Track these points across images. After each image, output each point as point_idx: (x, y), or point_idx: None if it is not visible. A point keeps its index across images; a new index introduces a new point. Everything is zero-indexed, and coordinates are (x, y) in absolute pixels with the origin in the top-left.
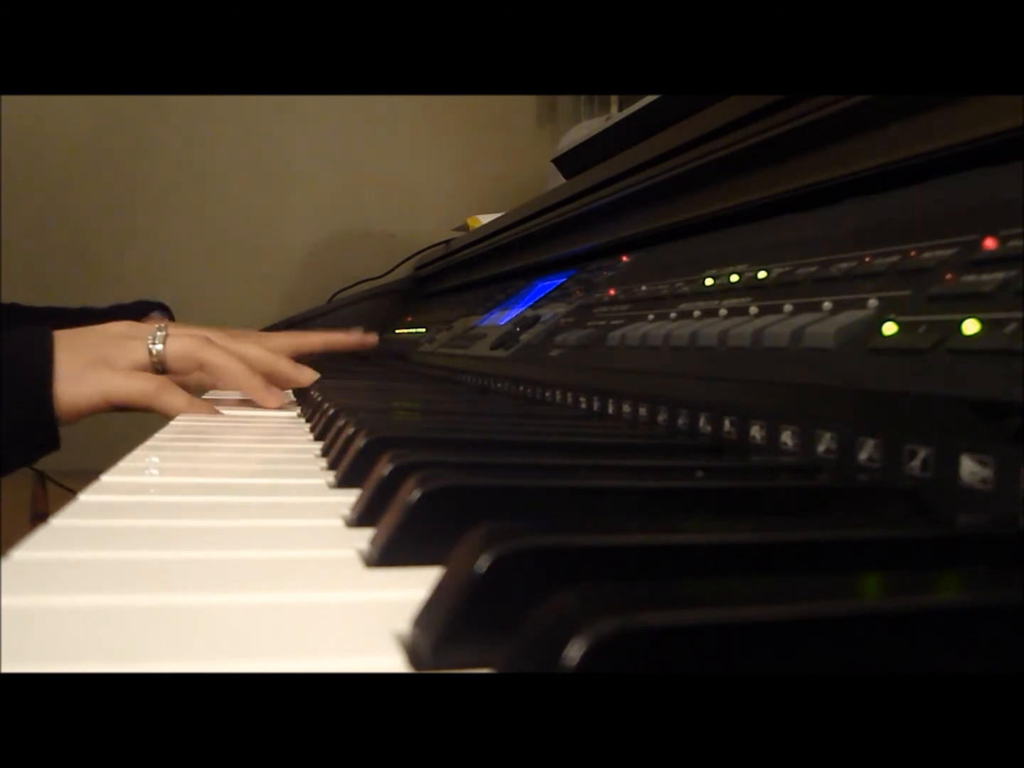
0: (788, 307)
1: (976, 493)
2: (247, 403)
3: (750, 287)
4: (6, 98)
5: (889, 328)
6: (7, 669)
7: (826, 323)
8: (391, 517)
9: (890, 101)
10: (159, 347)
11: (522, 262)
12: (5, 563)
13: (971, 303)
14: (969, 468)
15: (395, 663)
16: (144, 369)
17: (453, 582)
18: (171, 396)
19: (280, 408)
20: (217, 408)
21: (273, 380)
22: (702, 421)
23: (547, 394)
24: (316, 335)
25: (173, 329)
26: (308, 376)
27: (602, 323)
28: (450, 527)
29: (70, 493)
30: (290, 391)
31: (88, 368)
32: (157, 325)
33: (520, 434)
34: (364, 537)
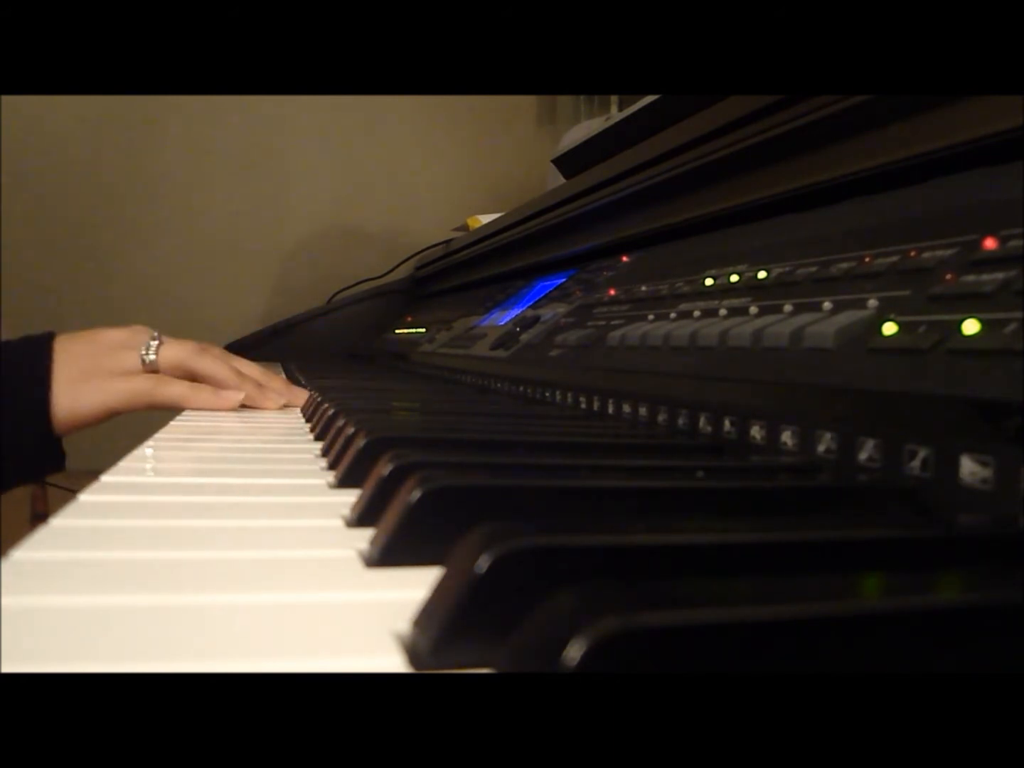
0: (788, 307)
1: (976, 493)
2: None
3: (750, 287)
4: (6, 98)
5: (889, 328)
6: (7, 669)
7: (826, 323)
8: (391, 517)
9: (890, 101)
10: (152, 356)
11: (522, 262)
12: (5, 563)
13: (971, 303)
14: (969, 468)
15: (395, 663)
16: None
17: (453, 582)
18: (170, 387)
19: (280, 408)
20: (220, 394)
21: None
22: (702, 421)
23: (547, 394)
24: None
25: (166, 339)
26: (301, 396)
27: (602, 323)
28: (450, 527)
29: (70, 493)
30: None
31: (84, 379)
32: (150, 335)
33: (520, 434)
34: (364, 537)
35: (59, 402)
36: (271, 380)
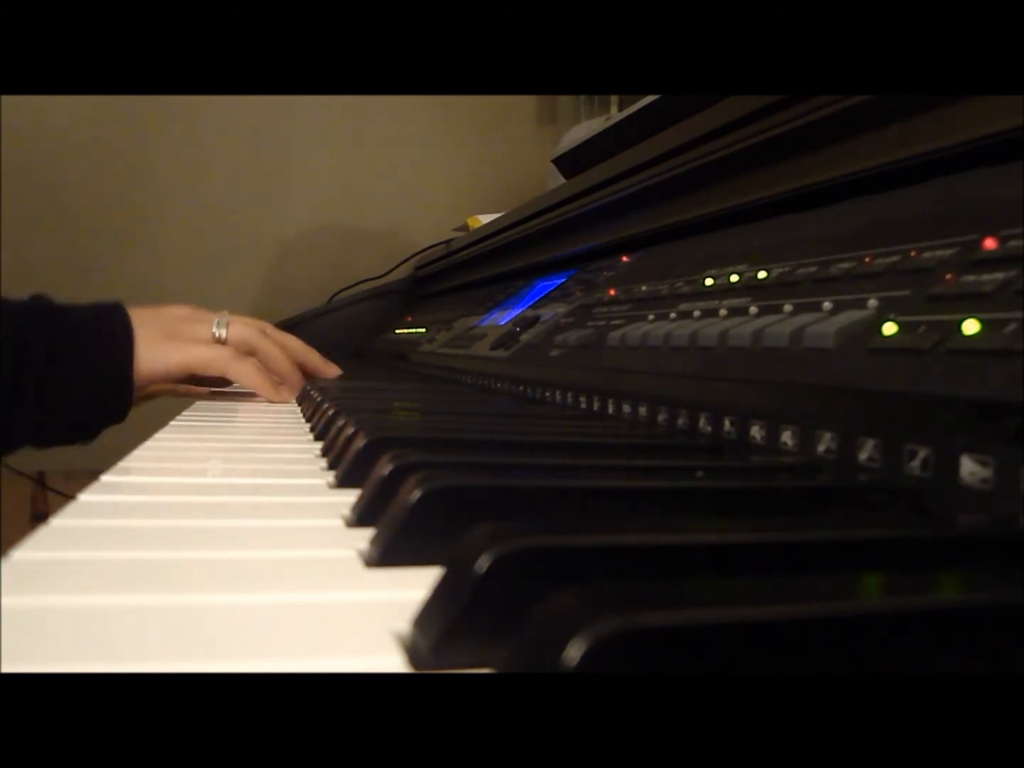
0: (788, 307)
1: (976, 493)
2: (248, 397)
3: (750, 287)
4: (6, 98)
5: (889, 328)
6: (7, 669)
7: (826, 323)
8: (391, 517)
9: (890, 101)
10: (223, 332)
11: (522, 262)
12: (5, 563)
13: (971, 303)
14: (969, 468)
15: (395, 663)
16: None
17: (453, 582)
18: (244, 364)
19: (281, 407)
20: (279, 391)
21: (305, 370)
22: (702, 421)
23: (547, 394)
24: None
25: (233, 317)
26: (334, 370)
27: (602, 323)
28: (450, 527)
29: (69, 498)
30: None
31: (165, 340)
32: (219, 313)
33: (520, 434)
34: (364, 537)
35: (141, 357)
36: (311, 354)
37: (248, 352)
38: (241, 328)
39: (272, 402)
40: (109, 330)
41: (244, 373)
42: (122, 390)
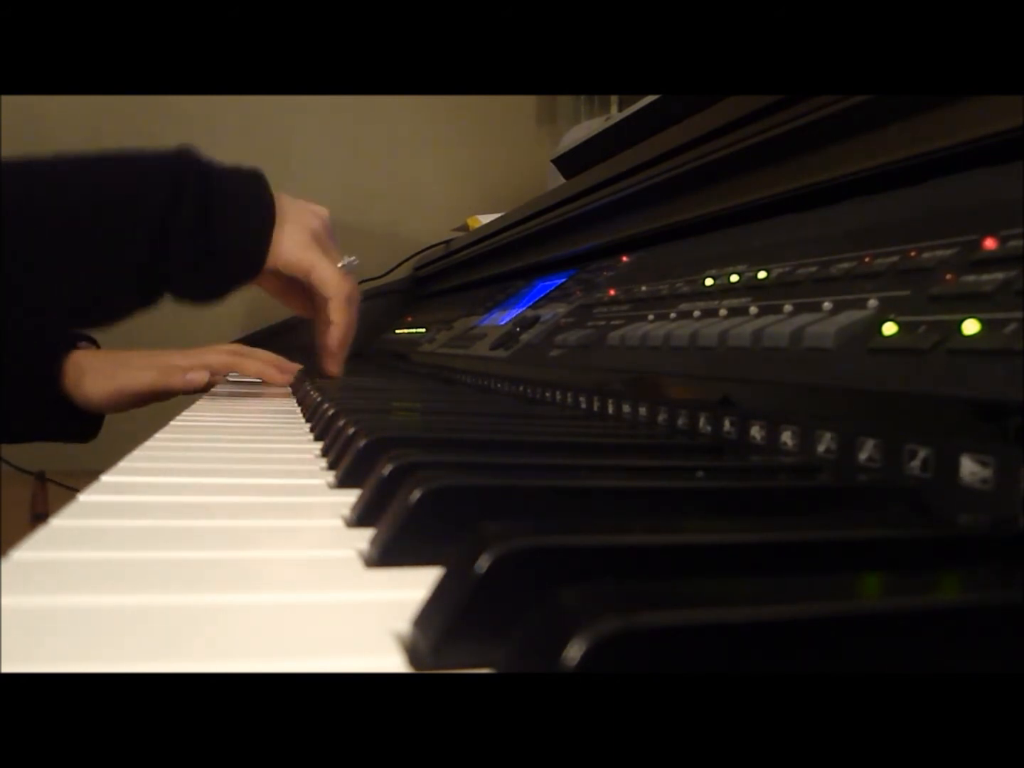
0: (788, 307)
1: (976, 493)
2: (249, 397)
3: (750, 287)
4: (6, 98)
5: (889, 328)
6: (7, 669)
7: (826, 323)
8: (391, 517)
9: (890, 101)
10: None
11: (522, 262)
12: (5, 563)
13: (971, 303)
14: (969, 468)
15: (395, 663)
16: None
17: (453, 582)
18: (350, 312)
19: (280, 408)
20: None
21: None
22: (702, 421)
23: (547, 394)
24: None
25: (352, 271)
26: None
27: (602, 323)
28: (450, 527)
29: (71, 492)
30: (290, 391)
31: (308, 239)
32: (350, 255)
33: (520, 434)
34: (364, 537)
35: (283, 243)
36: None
37: (336, 309)
38: (349, 284)
39: (333, 372)
40: (256, 199)
41: (344, 319)
42: (257, 260)
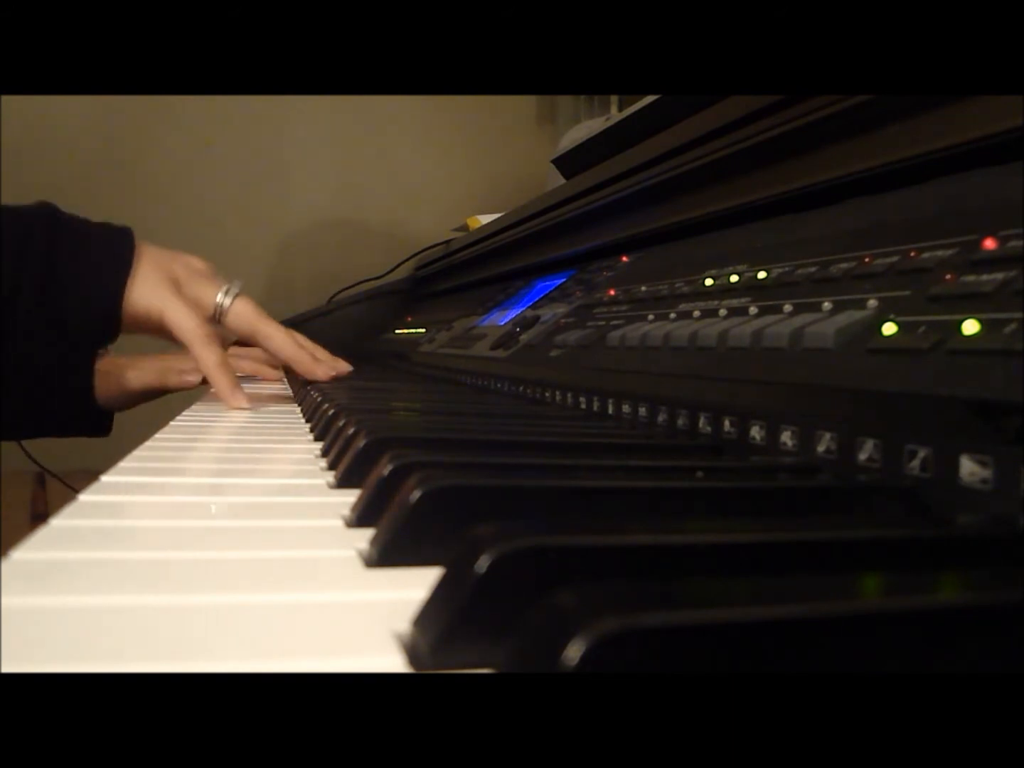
0: (788, 307)
1: (976, 493)
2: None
3: (750, 287)
4: (6, 98)
5: (889, 328)
6: (7, 669)
7: (826, 323)
8: (391, 517)
9: (890, 101)
10: (228, 301)
11: (522, 262)
12: (5, 563)
13: (971, 303)
14: (969, 468)
15: (395, 663)
16: (204, 311)
17: (453, 582)
18: (210, 350)
19: (280, 407)
20: (240, 387)
21: (300, 366)
22: (702, 421)
23: (547, 394)
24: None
25: (244, 296)
26: (344, 366)
27: (602, 323)
28: (450, 527)
29: (72, 491)
30: (289, 391)
31: (160, 282)
32: (233, 282)
33: (520, 434)
34: (364, 537)
35: (135, 289)
36: (318, 349)
37: (247, 332)
38: (247, 305)
39: (229, 405)
40: (109, 251)
41: (205, 358)
42: (110, 316)
